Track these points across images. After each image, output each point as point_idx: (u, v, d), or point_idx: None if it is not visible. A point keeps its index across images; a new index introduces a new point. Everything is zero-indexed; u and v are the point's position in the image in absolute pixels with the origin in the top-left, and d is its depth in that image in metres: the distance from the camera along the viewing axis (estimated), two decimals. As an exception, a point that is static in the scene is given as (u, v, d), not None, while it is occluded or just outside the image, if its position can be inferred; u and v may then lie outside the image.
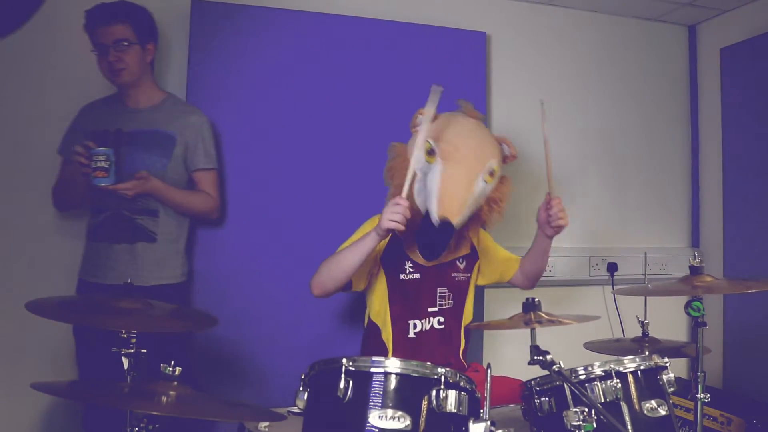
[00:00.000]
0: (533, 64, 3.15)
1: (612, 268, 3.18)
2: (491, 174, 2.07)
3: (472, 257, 2.27)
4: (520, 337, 1.84)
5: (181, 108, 2.40)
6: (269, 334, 2.55)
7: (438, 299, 2.15)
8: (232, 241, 2.56)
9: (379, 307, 2.14)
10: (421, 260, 2.14)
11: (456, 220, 1.97)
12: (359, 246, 1.97)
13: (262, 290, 2.56)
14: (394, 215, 1.86)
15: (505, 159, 2.17)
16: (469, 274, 2.25)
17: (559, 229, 2.13)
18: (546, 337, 1.69)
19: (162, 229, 2.28)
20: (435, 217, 1.96)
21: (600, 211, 3.26)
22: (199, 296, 2.48)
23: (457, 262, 2.22)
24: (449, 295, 2.19)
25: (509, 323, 1.95)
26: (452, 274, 2.19)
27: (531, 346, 1.52)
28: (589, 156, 3.24)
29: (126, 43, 2.22)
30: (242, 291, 2.54)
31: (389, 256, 2.12)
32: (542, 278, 3.02)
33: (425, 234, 2.02)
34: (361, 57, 2.74)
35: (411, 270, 2.12)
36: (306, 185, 2.65)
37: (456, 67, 2.85)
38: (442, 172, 1.99)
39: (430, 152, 2.01)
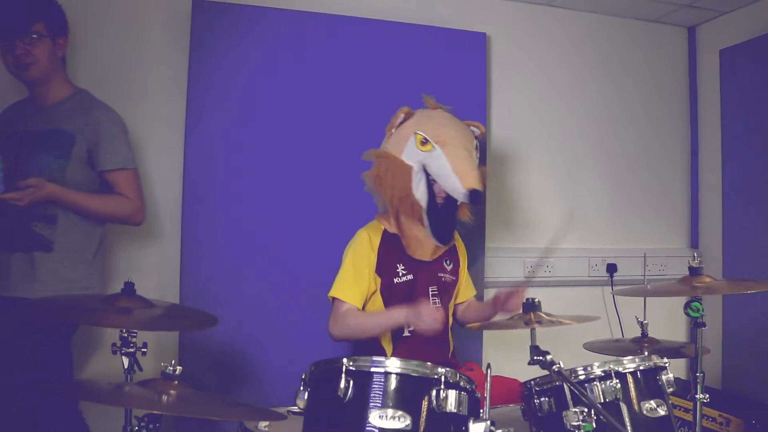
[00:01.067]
0: (533, 64, 3.15)
1: (611, 268, 3.18)
2: (477, 149, 2.15)
3: (455, 259, 2.27)
4: (520, 337, 1.85)
5: (86, 104, 2.18)
6: (269, 333, 2.55)
7: (431, 298, 2.15)
8: (232, 240, 2.55)
9: (374, 310, 2.13)
10: (418, 254, 2.14)
11: (480, 186, 2.02)
12: (387, 323, 2.05)
13: (262, 290, 2.56)
14: (436, 323, 1.91)
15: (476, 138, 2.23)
16: (455, 278, 2.26)
17: (507, 313, 2.07)
18: (546, 338, 1.69)
19: (61, 238, 2.08)
20: (462, 191, 2.01)
21: (599, 212, 3.26)
22: (197, 295, 2.48)
23: (444, 263, 2.22)
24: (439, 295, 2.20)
25: (509, 323, 1.95)
26: (439, 274, 2.19)
27: (531, 346, 1.52)
28: (589, 156, 3.24)
29: (35, 36, 2.07)
30: (242, 291, 2.54)
31: (382, 265, 2.12)
32: (542, 278, 3.06)
33: (435, 220, 2.08)
34: (361, 57, 2.74)
35: (404, 272, 2.12)
36: (308, 184, 2.64)
37: (456, 68, 2.85)
38: (447, 154, 2.04)
39: (424, 142, 2.07)
